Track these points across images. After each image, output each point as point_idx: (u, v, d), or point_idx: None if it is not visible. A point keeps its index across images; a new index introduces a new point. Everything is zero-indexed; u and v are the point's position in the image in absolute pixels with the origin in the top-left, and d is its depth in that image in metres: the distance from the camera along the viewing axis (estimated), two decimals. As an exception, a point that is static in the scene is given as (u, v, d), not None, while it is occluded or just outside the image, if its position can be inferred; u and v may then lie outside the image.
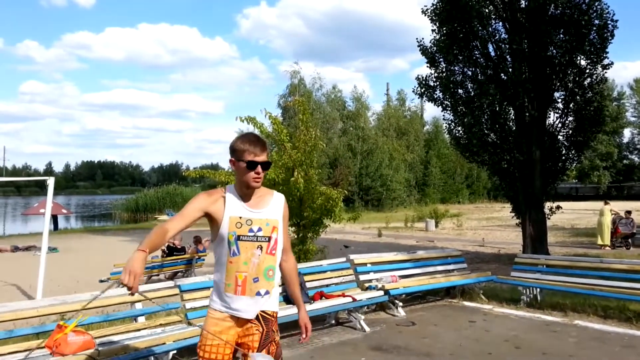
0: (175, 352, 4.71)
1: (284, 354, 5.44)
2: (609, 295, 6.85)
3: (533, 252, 12.04)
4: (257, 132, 9.81)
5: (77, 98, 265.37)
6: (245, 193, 2.80)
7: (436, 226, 25.99)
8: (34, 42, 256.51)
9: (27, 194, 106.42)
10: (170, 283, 5.50)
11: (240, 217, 2.74)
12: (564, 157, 13.94)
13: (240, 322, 2.78)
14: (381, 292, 6.78)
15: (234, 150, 2.78)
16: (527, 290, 7.69)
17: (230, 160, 2.80)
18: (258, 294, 2.74)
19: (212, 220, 2.77)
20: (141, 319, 5.01)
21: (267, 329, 2.79)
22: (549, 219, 13.85)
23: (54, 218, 28.88)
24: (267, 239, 2.78)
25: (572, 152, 14.03)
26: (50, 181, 10.82)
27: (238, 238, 2.72)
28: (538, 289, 7.64)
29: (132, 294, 2.41)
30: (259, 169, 2.73)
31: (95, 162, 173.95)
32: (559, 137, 13.77)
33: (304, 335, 3.01)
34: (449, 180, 55.54)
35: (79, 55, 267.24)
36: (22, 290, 11.72)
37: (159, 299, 5.45)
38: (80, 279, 12.67)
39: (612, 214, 17.56)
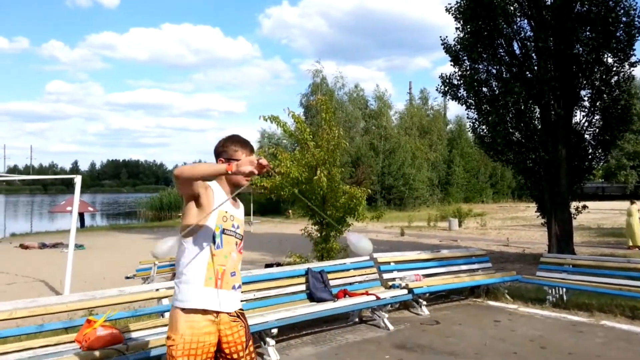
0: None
1: (309, 350, 5.50)
2: (637, 295, 6.73)
3: (559, 252, 11.89)
4: (280, 130, 9.89)
5: (101, 98, 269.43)
6: (230, 191, 2.87)
7: (459, 225, 25.80)
8: (59, 43, 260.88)
9: (53, 192, 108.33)
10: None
11: (227, 212, 2.82)
12: (590, 156, 13.75)
13: (220, 320, 2.74)
14: (405, 291, 6.76)
15: (224, 151, 2.87)
16: (553, 290, 7.60)
17: (220, 160, 2.86)
18: (234, 287, 2.81)
19: (197, 206, 2.73)
20: (168, 315, 5.07)
21: (247, 325, 2.87)
22: (574, 218, 13.66)
23: (81, 216, 29.39)
24: (241, 237, 2.91)
25: (599, 151, 13.84)
26: (78, 179, 11.02)
27: (223, 231, 2.77)
28: (564, 289, 7.54)
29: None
30: None
31: (120, 160, 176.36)
32: (585, 135, 13.59)
33: None
34: (472, 180, 55.00)
35: (103, 55, 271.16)
36: (50, 286, 11.95)
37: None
38: (107, 275, 12.87)
39: (639, 214, 17.22)
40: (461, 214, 27.88)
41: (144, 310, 5.01)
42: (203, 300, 2.69)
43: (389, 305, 6.65)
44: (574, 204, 13.66)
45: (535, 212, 14.61)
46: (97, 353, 4.14)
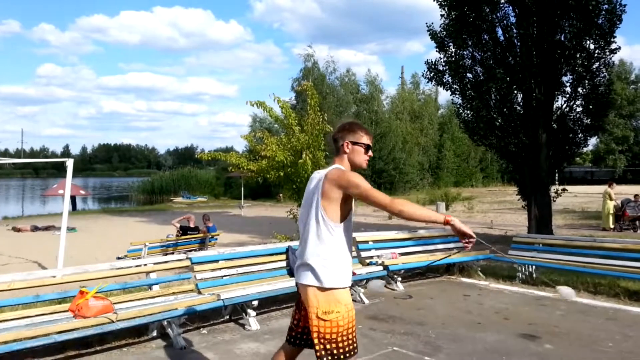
0: (186, 317, 5.13)
1: (288, 322, 5.85)
2: (601, 272, 7.17)
3: (537, 234, 12.28)
4: (266, 115, 10.19)
5: (93, 81, 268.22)
6: None
7: (447, 209, 26.24)
8: (50, 26, 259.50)
9: (44, 175, 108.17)
10: (182, 256, 5.93)
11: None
12: (571, 141, 14.09)
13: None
14: (380, 268, 7.16)
15: (352, 134, 3.10)
16: (523, 267, 8.02)
17: (346, 143, 3.08)
18: None
19: (346, 198, 2.94)
20: (155, 288, 5.44)
21: None
22: (554, 201, 14.04)
23: (72, 199, 29.59)
24: None
25: (580, 136, 14.17)
26: (70, 162, 11.27)
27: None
28: (533, 267, 7.96)
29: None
30: (370, 152, 3.15)
31: (112, 144, 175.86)
32: (567, 120, 13.91)
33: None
34: (462, 164, 55.48)
35: (94, 38, 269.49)
36: (43, 267, 12.25)
37: (172, 270, 5.91)
38: (98, 257, 13.17)
39: (608, 198, 17.61)
40: (449, 198, 28.33)
41: (133, 283, 5.38)
42: (346, 279, 2.99)
43: (365, 281, 7.04)
44: (553, 188, 14.04)
45: (516, 195, 15.00)
46: (89, 321, 4.50)
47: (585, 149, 17.18)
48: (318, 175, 3.11)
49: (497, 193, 43.68)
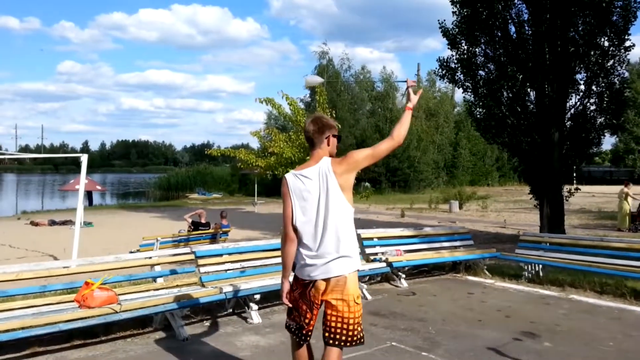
0: (189, 309, 5.23)
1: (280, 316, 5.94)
2: (607, 272, 7.12)
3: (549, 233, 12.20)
4: (275, 112, 10.28)
5: (112, 78, 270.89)
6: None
7: (460, 208, 26.11)
8: (69, 23, 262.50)
9: (64, 171, 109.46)
10: (187, 249, 6.03)
11: None
12: (584, 140, 13.95)
13: None
14: (384, 264, 7.20)
15: (333, 128, 3.31)
16: (529, 266, 7.99)
17: (331, 136, 3.27)
18: None
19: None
20: (160, 280, 5.55)
21: None
22: (567, 201, 13.94)
23: (89, 194, 29.95)
24: None
25: (594, 134, 14.03)
26: (84, 158, 11.52)
27: None
28: (540, 266, 7.93)
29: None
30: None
31: (130, 141, 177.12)
32: (580, 119, 13.79)
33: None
34: (478, 163, 55.01)
35: (113, 36, 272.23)
36: (56, 259, 12.46)
37: (177, 264, 6.03)
38: (112, 251, 13.36)
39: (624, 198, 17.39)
40: (463, 197, 28.17)
41: (138, 275, 5.49)
42: None
43: (369, 277, 7.09)
44: (566, 187, 13.93)
45: (529, 193, 14.92)
46: (93, 311, 4.62)
47: (601, 148, 16.99)
48: (310, 172, 3.16)
49: (513, 192, 43.31)
